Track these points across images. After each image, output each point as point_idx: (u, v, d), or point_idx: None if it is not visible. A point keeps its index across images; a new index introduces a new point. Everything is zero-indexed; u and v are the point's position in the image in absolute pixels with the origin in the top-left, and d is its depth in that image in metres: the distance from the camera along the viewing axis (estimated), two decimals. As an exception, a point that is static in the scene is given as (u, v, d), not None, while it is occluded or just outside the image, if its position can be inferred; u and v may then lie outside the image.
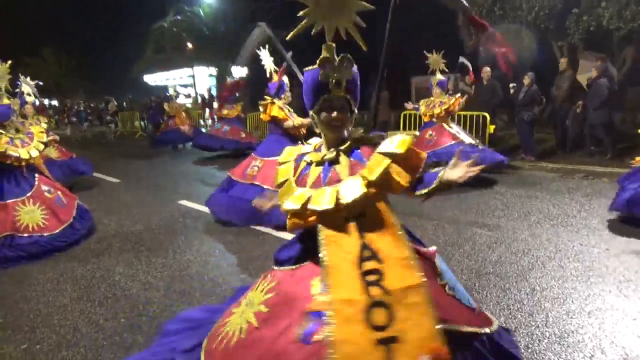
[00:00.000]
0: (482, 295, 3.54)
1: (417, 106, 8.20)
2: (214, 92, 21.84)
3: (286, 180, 2.00)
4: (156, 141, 14.53)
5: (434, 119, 7.77)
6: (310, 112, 1.89)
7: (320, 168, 1.92)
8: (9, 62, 5.22)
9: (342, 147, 1.91)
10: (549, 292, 3.56)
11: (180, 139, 14.12)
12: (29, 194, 4.98)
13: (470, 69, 8.72)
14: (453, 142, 7.37)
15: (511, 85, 9.09)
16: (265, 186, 5.37)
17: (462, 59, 8.47)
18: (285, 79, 6.00)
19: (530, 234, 5.01)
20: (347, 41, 1.79)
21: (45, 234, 4.85)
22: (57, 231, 4.94)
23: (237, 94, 12.56)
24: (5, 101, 5.10)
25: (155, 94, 22.12)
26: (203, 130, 16.41)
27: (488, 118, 9.17)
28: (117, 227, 5.86)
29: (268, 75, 5.97)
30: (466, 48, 12.30)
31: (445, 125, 7.66)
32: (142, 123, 20.98)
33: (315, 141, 2.09)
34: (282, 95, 5.81)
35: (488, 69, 9.49)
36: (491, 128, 9.22)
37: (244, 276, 4.14)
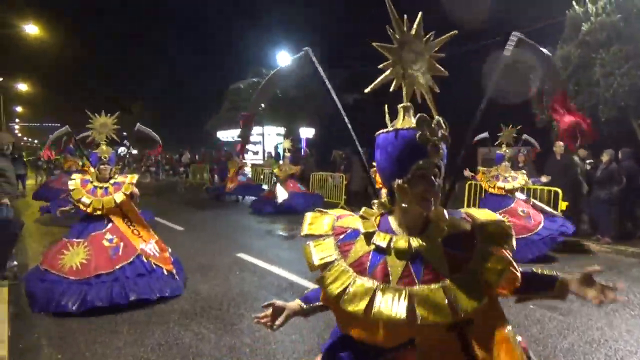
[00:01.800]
0: (552, 388, 3.21)
1: (474, 175, 8.11)
2: (280, 150, 22.61)
3: (331, 263, 1.49)
4: (219, 194, 15.27)
5: (504, 191, 7.66)
6: (397, 183, 1.45)
7: (404, 261, 1.44)
8: (117, 113, 5.49)
9: (433, 232, 1.48)
10: (631, 393, 3.17)
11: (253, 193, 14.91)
12: (85, 238, 4.95)
13: (537, 145, 8.58)
14: (527, 235, 7.19)
15: (588, 161, 8.68)
16: None
17: (525, 136, 8.33)
18: None
19: (607, 322, 4.56)
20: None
21: (70, 277, 4.62)
22: (82, 278, 4.63)
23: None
24: (101, 149, 5.30)
25: (225, 150, 23.26)
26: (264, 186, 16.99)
27: (560, 194, 8.74)
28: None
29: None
30: (538, 123, 12.09)
31: (517, 206, 7.50)
32: (210, 176, 21.93)
33: (369, 213, 1.61)
34: None
35: (561, 143, 9.17)
36: (563, 205, 8.75)
37: (296, 337, 4.04)
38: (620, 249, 8.06)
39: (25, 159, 19.14)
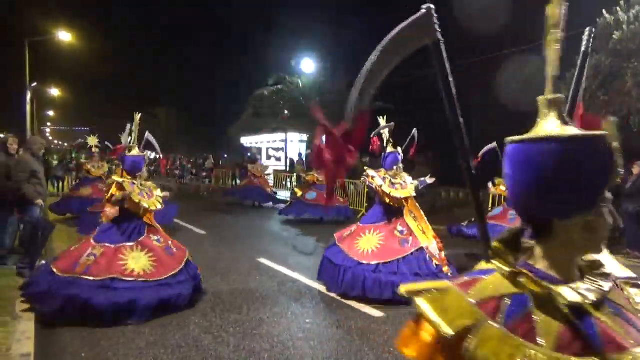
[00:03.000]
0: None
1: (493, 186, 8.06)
2: (304, 157, 22.68)
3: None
4: (232, 192, 15.36)
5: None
6: (591, 217, 0.98)
7: (610, 315, 1.00)
8: (139, 114, 5.55)
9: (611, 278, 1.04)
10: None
11: (260, 198, 14.81)
12: (135, 241, 4.99)
13: None
14: None
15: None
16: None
17: None
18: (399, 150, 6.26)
19: None
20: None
21: (150, 280, 4.66)
22: (162, 277, 4.75)
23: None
24: (138, 152, 5.39)
25: (248, 155, 23.54)
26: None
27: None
28: (198, 278, 6.05)
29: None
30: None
31: None
32: (234, 181, 22.19)
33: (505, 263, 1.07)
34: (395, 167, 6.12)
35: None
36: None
37: (314, 344, 4.02)
38: (651, 264, 7.80)
39: (55, 162, 19.70)
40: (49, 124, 64.57)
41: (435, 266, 5.44)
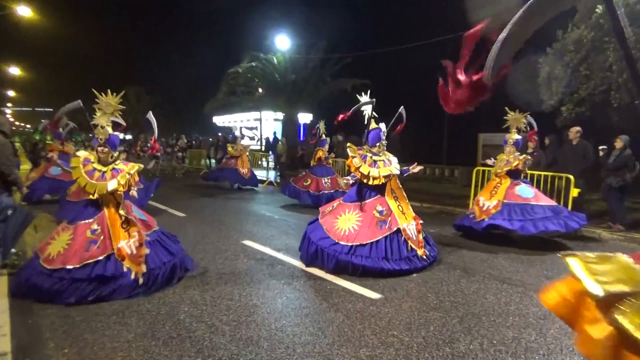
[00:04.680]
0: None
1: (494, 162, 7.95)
2: (279, 135, 22.26)
3: None
4: (210, 177, 14.84)
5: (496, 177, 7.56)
6: None
7: None
8: (122, 93, 5.01)
9: None
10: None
11: (237, 179, 14.20)
12: (73, 225, 4.70)
13: (535, 127, 8.13)
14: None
15: (600, 147, 8.46)
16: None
17: (529, 118, 7.87)
18: (382, 126, 6.14)
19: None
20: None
21: (44, 266, 4.39)
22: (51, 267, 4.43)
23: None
24: (98, 130, 4.92)
25: (222, 134, 22.89)
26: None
27: (572, 180, 8.55)
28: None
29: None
30: (545, 108, 11.86)
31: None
32: (208, 161, 21.67)
33: None
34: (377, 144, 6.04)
35: (578, 128, 8.90)
36: (575, 191, 8.56)
37: (314, 330, 3.83)
38: (633, 236, 7.91)
39: (18, 144, 18.75)
40: (9, 104, 61.61)
41: (410, 249, 5.47)
